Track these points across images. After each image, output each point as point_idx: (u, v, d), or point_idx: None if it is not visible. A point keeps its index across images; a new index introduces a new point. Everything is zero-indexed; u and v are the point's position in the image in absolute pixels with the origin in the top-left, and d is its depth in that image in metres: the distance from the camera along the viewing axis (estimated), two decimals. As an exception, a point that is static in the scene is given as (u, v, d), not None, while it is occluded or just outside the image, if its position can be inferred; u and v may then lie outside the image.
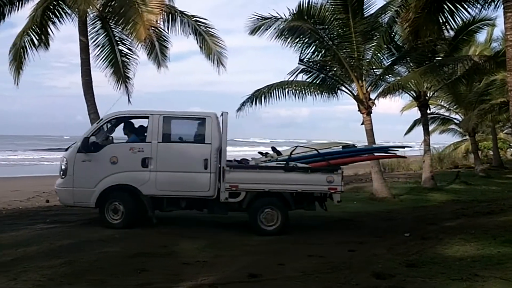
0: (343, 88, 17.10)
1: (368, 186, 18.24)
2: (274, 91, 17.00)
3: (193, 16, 15.63)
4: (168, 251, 8.29)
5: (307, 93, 17.16)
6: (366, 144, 15.90)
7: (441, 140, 38.78)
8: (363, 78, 16.55)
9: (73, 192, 10.25)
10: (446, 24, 12.07)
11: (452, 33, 16.75)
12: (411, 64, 17.94)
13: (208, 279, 6.57)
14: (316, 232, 10.67)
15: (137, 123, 11.02)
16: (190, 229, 10.36)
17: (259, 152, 11.98)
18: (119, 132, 11.15)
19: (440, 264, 7.43)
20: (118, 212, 10.21)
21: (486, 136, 35.55)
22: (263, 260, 7.88)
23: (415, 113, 25.36)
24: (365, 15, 15.89)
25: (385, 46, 16.52)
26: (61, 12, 15.04)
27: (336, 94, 17.41)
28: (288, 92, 17.10)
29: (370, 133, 16.27)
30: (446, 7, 11.22)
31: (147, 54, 16.66)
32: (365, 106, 16.26)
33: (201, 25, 15.64)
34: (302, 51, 16.06)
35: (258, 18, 16.62)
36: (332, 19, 15.92)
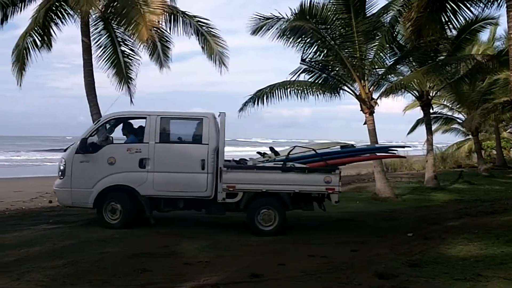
0: (345, 88, 17.08)
1: (371, 186, 18.23)
2: (276, 91, 16.97)
3: (195, 16, 15.62)
4: (170, 252, 8.29)
5: (309, 93, 17.12)
6: (369, 143, 15.89)
7: (444, 139, 38.84)
8: (366, 78, 16.53)
9: (71, 192, 10.31)
10: (449, 23, 12.04)
11: (454, 32, 16.66)
12: (414, 64, 17.89)
13: (210, 279, 6.57)
14: (317, 232, 10.66)
15: (136, 123, 11.03)
16: (191, 229, 10.37)
17: (258, 152, 11.96)
18: (117, 133, 11.19)
19: (443, 264, 7.42)
20: (116, 212, 10.26)
21: (489, 135, 35.44)
22: (265, 260, 7.88)
23: (418, 113, 25.38)
24: (367, 15, 15.87)
25: (387, 45, 16.48)
26: (64, 13, 15.07)
27: (338, 94, 17.38)
28: (290, 92, 17.07)
29: (372, 132, 16.25)
30: (448, 6, 11.19)
31: (149, 55, 16.68)
32: (368, 106, 16.23)
33: (203, 26, 15.62)
34: (304, 51, 16.07)
35: (260, 18, 16.62)
36: (334, 18, 15.89)
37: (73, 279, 6.60)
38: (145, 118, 10.48)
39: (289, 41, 16.06)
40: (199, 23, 15.59)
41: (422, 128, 24.56)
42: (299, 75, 16.26)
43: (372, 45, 16.35)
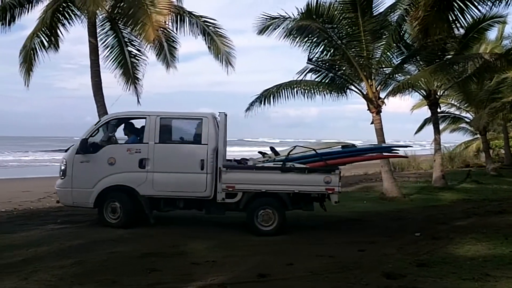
0: (352, 87, 17.03)
1: (378, 185, 18.17)
2: (283, 90, 16.95)
3: (201, 16, 15.63)
4: (178, 251, 8.31)
5: (316, 93, 17.08)
6: (376, 143, 15.84)
7: (452, 139, 38.68)
8: (373, 77, 16.47)
9: (72, 192, 10.41)
10: (456, 22, 11.94)
11: (462, 31, 16.56)
12: (421, 63, 17.81)
13: (218, 279, 6.58)
14: (325, 231, 10.63)
15: (136, 124, 11.09)
16: (199, 229, 10.39)
17: (259, 152, 11.94)
18: (118, 133, 11.26)
19: (451, 263, 7.39)
20: (116, 212, 10.33)
21: (497, 134, 35.23)
22: (272, 260, 7.87)
23: (425, 112, 25.29)
24: (374, 14, 15.81)
25: (394, 44, 16.42)
26: (71, 14, 15.12)
27: (345, 94, 17.33)
28: (297, 91, 17.04)
29: (379, 132, 16.20)
30: (456, 4, 11.11)
31: (156, 55, 16.70)
32: (375, 105, 16.19)
33: (210, 26, 15.63)
34: (311, 51, 16.01)
35: (266, 18, 16.61)
36: (341, 18, 15.85)
37: (81, 278, 6.63)
38: (145, 118, 10.55)
39: (296, 41, 16.03)
40: (205, 23, 15.60)
41: (429, 128, 24.46)
42: (305, 74, 16.24)
43: (379, 44, 16.29)
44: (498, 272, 6.81)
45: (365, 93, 16.49)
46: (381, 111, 16.31)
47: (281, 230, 10.01)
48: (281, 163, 10.35)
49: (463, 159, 32.61)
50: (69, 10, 15.03)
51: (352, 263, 7.53)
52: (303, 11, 15.56)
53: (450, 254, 8.04)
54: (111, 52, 16.07)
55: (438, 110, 21.38)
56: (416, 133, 31.54)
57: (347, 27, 15.99)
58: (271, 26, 16.62)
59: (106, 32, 15.87)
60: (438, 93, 20.53)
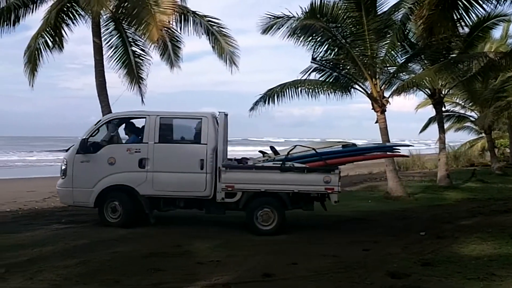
0: (356, 86, 17.00)
1: (383, 184, 18.14)
2: (287, 90, 16.96)
3: (205, 16, 15.63)
4: (181, 251, 8.31)
5: (320, 92, 17.11)
6: (381, 142, 15.79)
7: (457, 138, 38.51)
8: (377, 76, 16.43)
9: (72, 192, 10.48)
10: (461, 20, 11.89)
11: (466, 29, 16.47)
12: (426, 62, 17.75)
13: (222, 279, 6.58)
14: (329, 231, 10.62)
15: (139, 124, 11.10)
16: (202, 229, 10.38)
17: (260, 151, 11.92)
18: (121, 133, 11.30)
19: (456, 263, 7.36)
20: (116, 211, 10.37)
21: (502, 133, 35.07)
22: (276, 259, 7.86)
23: (430, 111, 25.13)
24: (378, 13, 15.77)
25: (398, 43, 16.39)
26: (75, 14, 15.13)
27: (350, 93, 17.33)
28: (301, 91, 17.06)
29: (384, 131, 16.16)
30: (460, 3, 11.07)
31: (160, 55, 16.71)
32: (379, 104, 16.15)
33: (214, 25, 15.63)
34: (315, 50, 15.98)
35: (270, 17, 16.57)
36: (345, 17, 15.82)
37: (85, 278, 6.64)
38: (144, 118, 10.58)
39: (300, 40, 16.02)
40: (209, 22, 15.60)
41: (434, 127, 24.34)
42: (310, 74, 16.17)
43: (384, 43, 16.26)
44: (503, 272, 6.78)
45: (369, 92, 16.45)
46: (385, 110, 16.28)
47: (280, 230, 10.01)
48: (281, 162, 10.34)
49: (468, 158, 32.52)
50: (73, 10, 15.05)
51: (357, 262, 7.51)
52: (307, 10, 15.56)
53: (455, 254, 8.01)
54: (115, 52, 16.09)
55: (443, 109, 21.33)
56: (420, 132, 31.48)
57: (351, 26, 15.96)
58: (275, 26, 16.59)
59: (110, 32, 15.88)
60: (443, 92, 20.45)
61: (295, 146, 11.05)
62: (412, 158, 29.54)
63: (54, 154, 47.17)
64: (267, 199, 10.12)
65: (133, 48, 16.25)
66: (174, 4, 13.67)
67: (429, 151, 33.34)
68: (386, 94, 16.71)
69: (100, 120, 11.01)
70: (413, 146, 17.07)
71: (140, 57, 16.48)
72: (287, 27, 16.31)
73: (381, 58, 16.34)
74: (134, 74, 16.32)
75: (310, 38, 15.76)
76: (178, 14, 14.79)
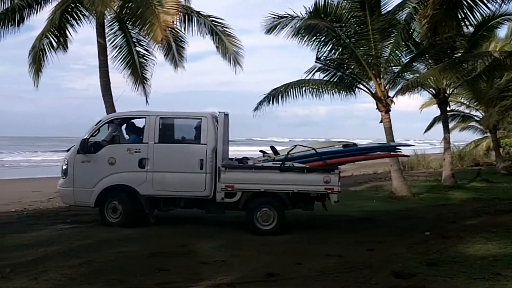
0: (361, 86, 16.96)
1: (388, 184, 18.09)
2: (291, 90, 16.96)
3: (209, 16, 15.65)
4: (186, 251, 8.31)
5: (324, 92, 17.10)
6: (385, 141, 15.76)
7: (462, 137, 38.30)
8: (381, 76, 16.39)
9: (73, 192, 10.55)
10: (465, 19, 11.86)
11: (471, 29, 16.46)
12: (430, 61, 17.71)
13: (227, 279, 6.58)
14: (334, 231, 10.60)
15: (140, 124, 11.11)
16: (206, 228, 10.39)
17: (261, 151, 11.92)
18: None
19: (461, 263, 7.34)
20: (117, 211, 10.41)
21: (507, 133, 34.89)
22: (281, 259, 7.86)
23: (435, 111, 25.06)
24: (382, 12, 15.72)
25: (403, 43, 16.34)
26: (79, 14, 15.18)
27: (354, 92, 17.29)
28: (305, 90, 17.05)
29: (389, 131, 16.12)
30: (465, 2, 11.04)
31: (164, 55, 16.74)
32: (384, 104, 16.11)
33: (218, 25, 15.66)
34: (319, 50, 15.94)
35: (274, 17, 16.56)
36: (349, 16, 15.79)
37: (90, 278, 6.65)
38: (144, 118, 10.61)
39: (304, 40, 15.98)
40: (213, 22, 15.62)
41: (439, 126, 24.24)
42: (314, 73, 16.19)
43: (388, 42, 16.22)
44: (509, 272, 6.75)
45: (373, 92, 16.42)
46: (390, 110, 16.24)
47: (280, 230, 10.00)
48: (280, 162, 10.33)
49: (473, 158, 32.39)
50: (77, 11, 15.09)
51: (361, 262, 7.50)
52: (311, 10, 15.54)
53: (460, 253, 7.99)
54: (119, 52, 16.13)
55: (448, 108, 21.25)
56: (425, 131, 31.37)
57: (355, 25, 15.93)
58: (279, 26, 16.57)
59: (115, 33, 15.93)
60: (447, 92, 20.38)
61: (296, 146, 11.05)
62: (417, 158, 29.48)
63: (59, 154, 47.12)
64: (266, 199, 10.12)
65: (137, 48, 16.30)
66: (178, 4, 13.69)
67: (434, 151, 33.25)
68: (391, 93, 16.68)
69: (101, 121, 11.03)
70: (414, 146, 17.00)
71: (144, 57, 16.53)
72: (291, 27, 16.29)
73: (386, 57, 16.30)
74: (138, 74, 16.35)
75: (314, 37, 15.74)
76: (182, 14, 14.81)
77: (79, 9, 15.03)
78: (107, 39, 15.36)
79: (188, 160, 10.25)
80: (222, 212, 10.46)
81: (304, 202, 10.34)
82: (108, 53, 15.33)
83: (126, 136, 11.27)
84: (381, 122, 16.32)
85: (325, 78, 16.71)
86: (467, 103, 27.78)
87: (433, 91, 20.02)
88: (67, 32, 15.31)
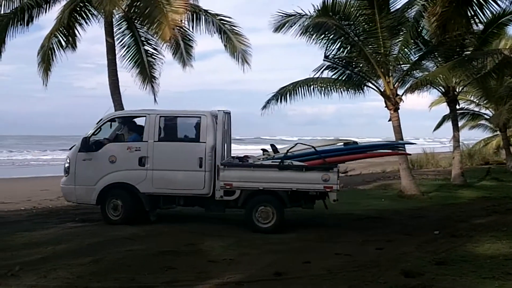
0: (369, 84, 16.88)
1: (396, 183, 18.01)
2: (300, 88, 16.93)
3: (217, 14, 15.65)
4: (194, 249, 8.34)
5: (333, 90, 17.05)
6: (394, 140, 15.69)
7: (471, 136, 38.03)
8: (390, 74, 16.31)
9: (75, 189, 10.68)
10: (475, 17, 11.78)
11: (481, 26, 16.32)
12: (439, 59, 17.61)
13: (235, 277, 6.59)
14: (342, 230, 10.57)
15: (137, 123, 11.20)
16: (215, 227, 10.40)
17: (262, 149, 11.91)
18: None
19: (470, 262, 7.29)
20: (117, 209, 10.49)
21: (517, 131, 34.72)
22: (289, 258, 7.85)
23: (444, 109, 24.94)
24: (391, 10, 15.64)
25: (412, 41, 16.27)
26: (88, 13, 15.25)
27: (363, 91, 17.20)
28: (313, 89, 17.01)
29: (397, 129, 16.05)
30: (474, 0, 10.97)
31: (172, 54, 16.75)
32: (392, 102, 16.03)
33: (226, 24, 15.65)
34: (327, 48, 15.87)
35: (282, 16, 16.50)
36: (357, 14, 15.72)
37: (99, 276, 6.68)
38: (144, 117, 10.68)
39: (312, 38, 15.92)
40: (221, 21, 15.62)
41: (448, 125, 24.12)
42: (322, 72, 16.13)
43: (397, 40, 16.15)
44: (519, 271, 6.70)
45: (382, 90, 16.34)
46: (399, 108, 16.15)
47: (279, 228, 10.01)
48: (279, 160, 10.32)
49: (483, 156, 32.16)
50: (86, 10, 15.17)
51: (370, 261, 7.47)
52: (319, 8, 15.45)
53: (470, 253, 7.94)
54: (127, 51, 16.18)
55: (457, 106, 21.14)
56: (434, 130, 31.26)
57: (364, 23, 15.86)
58: (287, 24, 16.52)
59: (123, 32, 15.97)
60: (457, 90, 20.27)
61: (296, 144, 11.04)
62: (426, 156, 29.33)
63: (67, 153, 47.51)
64: (265, 197, 10.15)
65: (146, 47, 16.33)
66: (186, 3, 13.70)
67: (443, 149, 33.00)
68: (400, 92, 16.60)
69: (102, 119, 11.09)
70: (415, 144, 16.87)
71: (153, 56, 16.56)
72: (299, 25, 16.23)
73: (394, 55, 16.24)
74: (147, 73, 16.40)
75: (323, 36, 15.67)
76: (190, 13, 14.84)
77: (87, 8, 15.10)
78: (115, 38, 15.42)
79: (187, 158, 10.31)
80: (222, 210, 10.51)
81: (304, 201, 10.33)
82: (116, 52, 15.39)
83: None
84: (390, 120, 16.25)
85: (333, 77, 16.64)
86: (477, 101, 27.62)
87: (442, 89, 19.90)
88: (76, 31, 15.39)
